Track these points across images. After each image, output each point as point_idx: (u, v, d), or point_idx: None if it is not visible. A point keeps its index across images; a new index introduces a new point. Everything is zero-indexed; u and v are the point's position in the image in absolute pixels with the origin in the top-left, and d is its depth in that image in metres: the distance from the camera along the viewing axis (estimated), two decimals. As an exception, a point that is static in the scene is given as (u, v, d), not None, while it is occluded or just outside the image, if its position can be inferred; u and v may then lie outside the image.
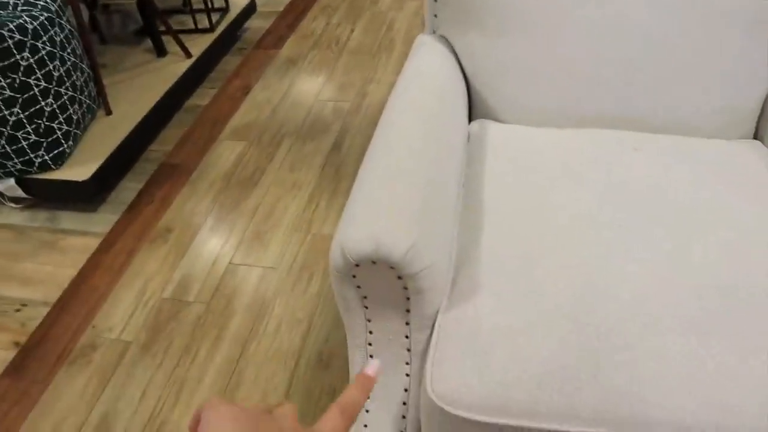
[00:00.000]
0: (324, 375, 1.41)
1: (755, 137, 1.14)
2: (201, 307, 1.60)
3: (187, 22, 2.73)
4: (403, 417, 0.82)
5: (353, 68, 2.62)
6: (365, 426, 0.82)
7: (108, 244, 1.82)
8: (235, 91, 2.52)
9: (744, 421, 0.65)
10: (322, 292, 1.62)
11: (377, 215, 0.72)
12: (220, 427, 0.36)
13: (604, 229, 0.84)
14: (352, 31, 2.93)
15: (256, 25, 3.04)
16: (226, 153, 2.16)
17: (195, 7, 2.75)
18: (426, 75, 1.04)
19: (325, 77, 2.57)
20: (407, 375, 0.81)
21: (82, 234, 1.86)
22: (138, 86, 2.32)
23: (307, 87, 2.51)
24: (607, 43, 1.06)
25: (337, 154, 2.13)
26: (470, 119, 1.18)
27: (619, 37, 1.06)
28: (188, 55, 2.50)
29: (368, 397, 0.43)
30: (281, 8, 3.20)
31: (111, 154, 1.96)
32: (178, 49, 2.51)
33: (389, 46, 2.77)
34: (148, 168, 2.12)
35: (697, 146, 1.03)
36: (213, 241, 1.80)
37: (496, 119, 1.13)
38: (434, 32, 1.19)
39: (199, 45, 2.60)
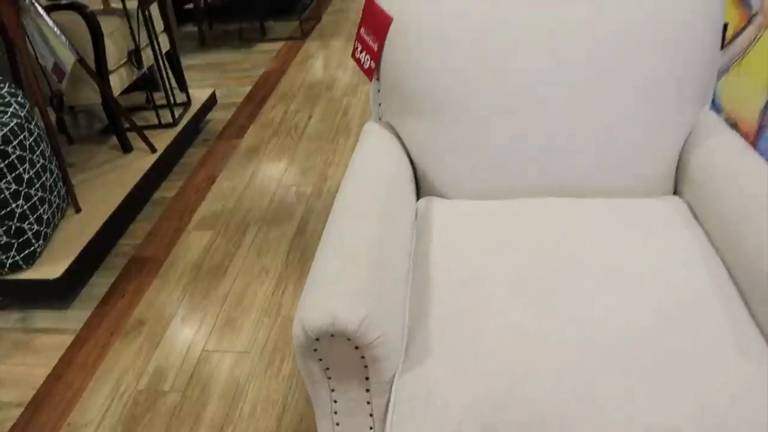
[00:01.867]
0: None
1: (675, 193, 1.27)
2: (176, 396, 1.62)
3: (151, 117, 2.84)
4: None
5: (313, 153, 2.75)
6: (337, 494, 0.87)
7: (81, 340, 1.84)
8: (201, 182, 2.61)
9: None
10: (294, 373, 1.66)
11: (333, 293, 0.80)
12: None
13: (538, 292, 0.94)
14: (310, 117, 3.08)
15: (218, 116, 3.18)
16: (194, 243, 2.22)
17: (158, 103, 2.88)
18: (373, 160, 1.15)
19: (287, 163, 2.69)
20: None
21: (55, 332, 1.89)
22: (105, 183, 2.40)
23: (270, 174, 2.62)
24: (530, 122, 1.19)
25: (302, 237, 2.21)
26: (418, 197, 1.29)
27: (542, 116, 1.19)
28: (153, 150, 2.61)
29: None
30: (241, 99, 3.36)
31: (81, 251, 2.01)
32: (143, 144, 2.61)
33: (346, 130, 2.92)
34: (119, 262, 2.17)
35: (621, 206, 1.14)
36: (186, 331, 1.84)
37: (441, 196, 1.24)
38: (380, 119, 1.32)
39: (163, 139, 2.70)
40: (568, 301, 0.92)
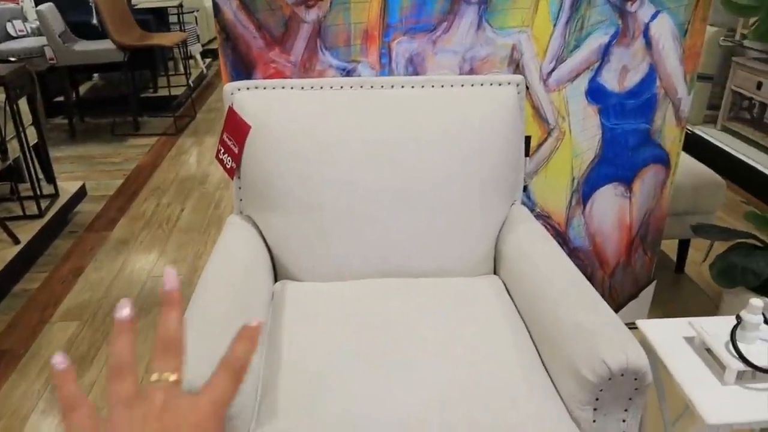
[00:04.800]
0: None
1: (495, 272, 1.51)
2: (33, 493, 1.59)
3: (15, 209, 2.80)
4: None
5: (184, 245, 2.82)
6: None
7: (-73, 441, 1.75)
8: (67, 274, 2.59)
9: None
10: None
11: (191, 365, 0.92)
12: None
13: (371, 361, 1.11)
14: (182, 210, 3.16)
15: (87, 208, 3.18)
16: (58, 335, 2.20)
17: (24, 194, 2.84)
18: (233, 250, 1.30)
19: (157, 254, 2.74)
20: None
21: None
22: (-38, 277, 2.33)
23: (140, 265, 2.66)
24: (371, 217, 1.40)
25: (172, 323, 2.26)
26: (276, 280, 1.44)
27: (381, 213, 1.40)
28: (16, 241, 2.57)
29: (255, 350, 0.41)
30: (112, 192, 3.38)
31: (-68, 348, 1.93)
32: (5, 236, 2.56)
33: (218, 222, 3.03)
34: (-27, 358, 2.09)
35: (448, 284, 1.37)
36: (47, 422, 1.81)
37: (295, 279, 1.41)
38: (241, 213, 1.48)
39: (27, 231, 2.67)
40: (395, 364, 1.10)
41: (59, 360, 0.40)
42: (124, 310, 0.41)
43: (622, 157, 1.81)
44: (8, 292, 2.46)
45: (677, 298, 2.39)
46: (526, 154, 1.67)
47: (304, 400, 1.01)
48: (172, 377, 0.39)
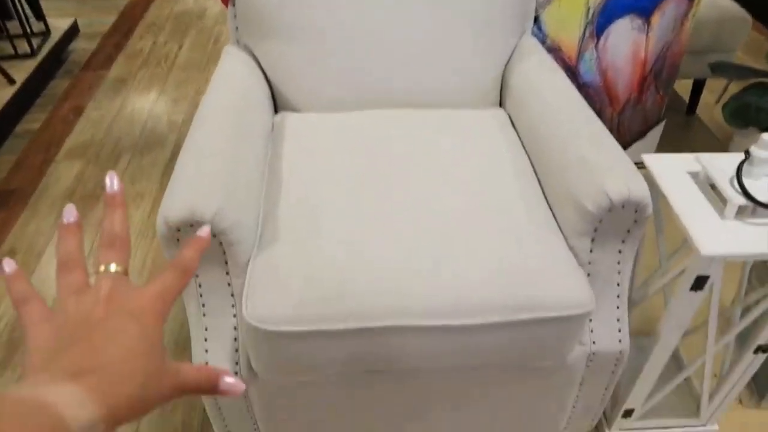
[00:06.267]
0: (183, 355, 1.57)
1: (501, 105, 1.47)
2: (55, 319, 1.68)
3: (6, 48, 2.71)
4: (236, 351, 1.02)
5: (184, 83, 2.75)
6: (206, 363, 1.01)
7: (-51, 271, 1.83)
8: (67, 113, 2.56)
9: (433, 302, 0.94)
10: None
11: (191, 189, 0.92)
12: (35, 329, 0.39)
13: (373, 182, 1.11)
14: (180, 47, 3.05)
15: (82, 46, 3.07)
16: (65, 173, 2.22)
17: (13, 33, 2.73)
18: (231, 79, 1.25)
19: (157, 93, 2.69)
20: (234, 316, 1.01)
21: None
22: (-39, 116, 2.31)
23: (140, 104, 2.62)
24: (373, 42, 1.33)
25: (175, 162, 2.27)
26: (277, 112, 1.41)
27: (383, 38, 1.34)
28: (11, 81, 2.51)
29: (200, 256, 0.46)
30: (106, 29, 3.24)
31: (-59, 185, 1.96)
32: (0, 76, 2.50)
33: (217, 58, 2.93)
34: (-17, 196, 2.13)
35: (450, 115, 1.33)
36: (60, 256, 1.87)
37: (295, 110, 1.37)
38: (238, 42, 1.41)
39: (22, 71, 2.60)
40: (396, 191, 1.10)
41: (7, 263, 0.43)
42: (71, 216, 0.45)
43: (643, -16, 1.68)
44: (10, 133, 2.45)
45: (686, 139, 2.35)
46: (540, -20, 1.55)
47: (304, 227, 1.02)
48: (119, 268, 0.43)
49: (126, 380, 0.35)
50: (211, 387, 0.42)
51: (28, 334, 0.39)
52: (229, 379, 0.42)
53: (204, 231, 0.48)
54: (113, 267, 0.43)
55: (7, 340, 1.63)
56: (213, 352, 1.02)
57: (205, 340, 1.02)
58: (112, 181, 0.46)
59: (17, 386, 0.32)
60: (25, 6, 2.85)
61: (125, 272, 0.43)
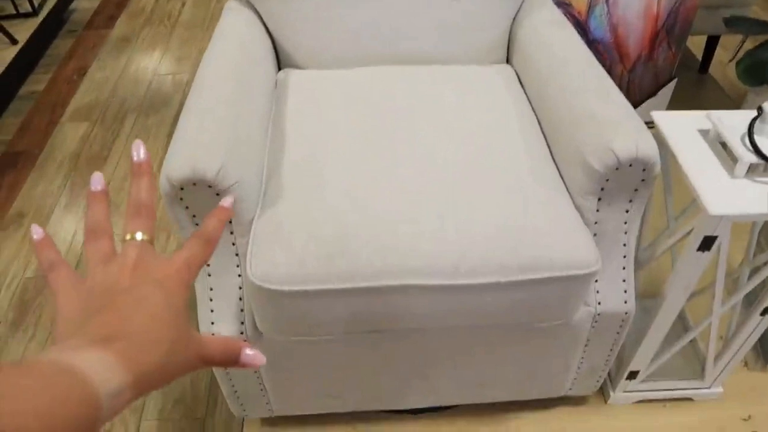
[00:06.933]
0: (189, 317, 1.58)
1: (508, 61, 1.44)
2: (65, 278, 1.69)
3: (7, 7, 2.67)
4: (242, 311, 1.03)
5: (188, 41, 2.71)
6: (212, 324, 1.02)
7: (-42, 232, 1.85)
8: (71, 74, 2.54)
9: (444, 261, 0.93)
10: (180, 246, 1.77)
11: (193, 147, 0.91)
12: (64, 296, 0.40)
13: (378, 138, 1.10)
14: (183, 4, 3.00)
15: (84, 5, 3.03)
16: (70, 134, 2.21)
17: (13, -9, 2.69)
18: (232, 35, 1.23)
19: (161, 52, 2.65)
20: (239, 275, 1.02)
21: (-72, 226, 1.87)
22: (-35, 77, 2.29)
23: (145, 63, 2.59)
24: (376, 0, 1.31)
25: (181, 122, 2.25)
26: (280, 69, 1.39)
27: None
28: (13, 41, 2.48)
29: (223, 226, 0.46)
30: (108, -13, 3.19)
31: (-53, 146, 1.96)
32: (1, 36, 2.47)
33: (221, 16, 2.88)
34: (-10, 157, 2.13)
35: (457, 72, 1.30)
36: (69, 217, 1.88)
37: (299, 67, 1.35)
38: (239, -3, 1.38)
39: (24, 30, 2.57)
40: (400, 147, 1.08)
41: (36, 231, 0.44)
42: (98, 184, 0.45)
43: (657, -65, 1.63)
44: (15, 95, 2.44)
45: (698, 98, 2.31)
46: (550, -68, 1.50)
47: (307, 184, 1.02)
48: (145, 237, 0.43)
49: (152, 348, 0.36)
50: (234, 359, 0.42)
51: (58, 301, 0.40)
52: (250, 351, 0.43)
53: (227, 201, 0.48)
54: (139, 235, 0.43)
55: (18, 301, 1.65)
56: (218, 311, 1.03)
57: (210, 300, 1.02)
58: (139, 150, 0.46)
59: (46, 351, 0.32)
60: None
61: (151, 241, 0.43)
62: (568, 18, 1.63)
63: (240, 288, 1.03)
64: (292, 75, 1.30)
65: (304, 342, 1.06)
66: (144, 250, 0.42)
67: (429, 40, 1.35)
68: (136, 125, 2.24)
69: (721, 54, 2.52)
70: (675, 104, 2.19)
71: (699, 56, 2.47)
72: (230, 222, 0.97)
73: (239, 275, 1.02)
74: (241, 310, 1.03)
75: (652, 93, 2.02)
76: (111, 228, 0.44)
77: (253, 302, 0.96)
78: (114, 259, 0.41)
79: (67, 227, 1.85)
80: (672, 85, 2.07)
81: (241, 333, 1.03)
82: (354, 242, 0.93)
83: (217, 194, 0.92)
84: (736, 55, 2.30)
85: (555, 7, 1.38)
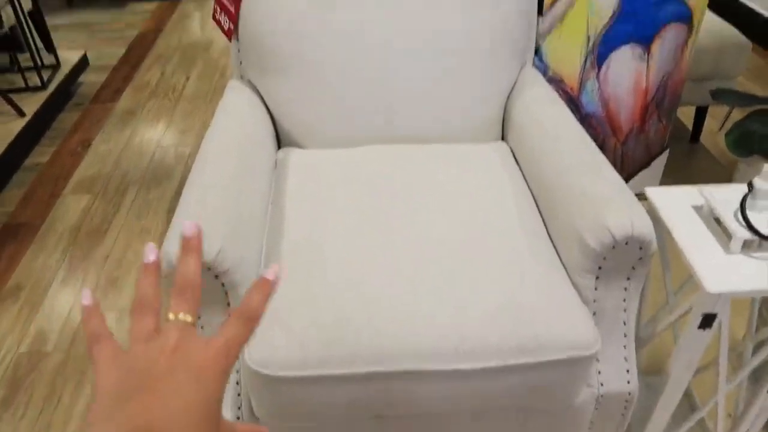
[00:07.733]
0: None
1: (503, 138, 1.47)
2: (60, 356, 1.66)
3: (17, 81, 2.75)
4: (239, 395, 1.01)
5: (191, 114, 2.78)
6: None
7: (-44, 307, 1.83)
8: (75, 146, 2.58)
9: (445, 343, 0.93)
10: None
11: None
12: (104, 371, 0.40)
13: (376, 218, 1.11)
14: (188, 79, 3.08)
15: (91, 79, 3.11)
16: (71, 207, 2.23)
17: (24, 65, 2.77)
18: (234, 115, 1.27)
19: (165, 125, 2.71)
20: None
21: (-74, 301, 1.86)
22: (-29, 151, 2.33)
23: (148, 135, 2.64)
24: (375, 79, 1.34)
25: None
26: (280, 147, 1.42)
27: (386, 75, 1.35)
28: (21, 114, 2.54)
29: (268, 301, 0.44)
30: (115, 61, 3.29)
31: (-51, 220, 1.97)
32: (9, 108, 2.53)
33: (224, 90, 2.96)
34: (-8, 230, 2.14)
35: (453, 150, 1.33)
36: (67, 291, 1.87)
37: (298, 145, 1.38)
38: (241, 77, 1.42)
39: (32, 103, 2.63)
40: (399, 228, 1.10)
41: (86, 296, 0.44)
42: (152, 255, 0.45)
43: (642, 13, 1.69)
44: (19, 166, 2.47)
45: (690, 168, 2.34)
46: (539, 12, 1.56)
47: (306, 266, 1.02)
48: (188, 318, 0.42)
49: None
50: None
51: (97, 373, 0.40)
52: None
53: (271, 273, 0.45)
54: (181, 316, 0.42)
55: (10, 378, 1.62)
56: (215, 394, 1.01)
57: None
58: (190, 225, 0.45)
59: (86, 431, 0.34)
60: (37, 39, 2.90)
61: (193, 323, 0.43)
62: (560, 94, 1.68)
63: (237, 371, 1.02)
64: (291, 154, 1.33)
65: (304, 429, 1.04)
66: (185, 333, 0.41)
67: (425, 120, 1.38)
68: (138, 199, 2.26)
69: (711, 123, 2.58)
70: (668, 174, 2.23)
71: (690, 126, 2.53)
72: (228, 304, 0.97)
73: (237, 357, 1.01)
74: (238, 395, 1.02)
75: (646, 164, 2.06)
76: (159, 304, 0.44)
77: (250, 387, 0.95)
78: (155, 338, 0.41)
79: (63, 302, 1.83)
80: (664, 156, 2.10)
81: (238, 418, 1.02)
82: (353, 328, 0.93)
83: (216, 276, 0.93)
84: (723, 124, 2.34)
85: (546, 84, 1.42)
